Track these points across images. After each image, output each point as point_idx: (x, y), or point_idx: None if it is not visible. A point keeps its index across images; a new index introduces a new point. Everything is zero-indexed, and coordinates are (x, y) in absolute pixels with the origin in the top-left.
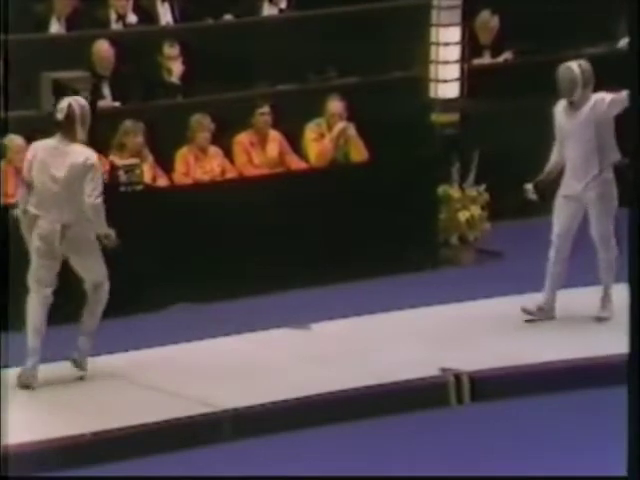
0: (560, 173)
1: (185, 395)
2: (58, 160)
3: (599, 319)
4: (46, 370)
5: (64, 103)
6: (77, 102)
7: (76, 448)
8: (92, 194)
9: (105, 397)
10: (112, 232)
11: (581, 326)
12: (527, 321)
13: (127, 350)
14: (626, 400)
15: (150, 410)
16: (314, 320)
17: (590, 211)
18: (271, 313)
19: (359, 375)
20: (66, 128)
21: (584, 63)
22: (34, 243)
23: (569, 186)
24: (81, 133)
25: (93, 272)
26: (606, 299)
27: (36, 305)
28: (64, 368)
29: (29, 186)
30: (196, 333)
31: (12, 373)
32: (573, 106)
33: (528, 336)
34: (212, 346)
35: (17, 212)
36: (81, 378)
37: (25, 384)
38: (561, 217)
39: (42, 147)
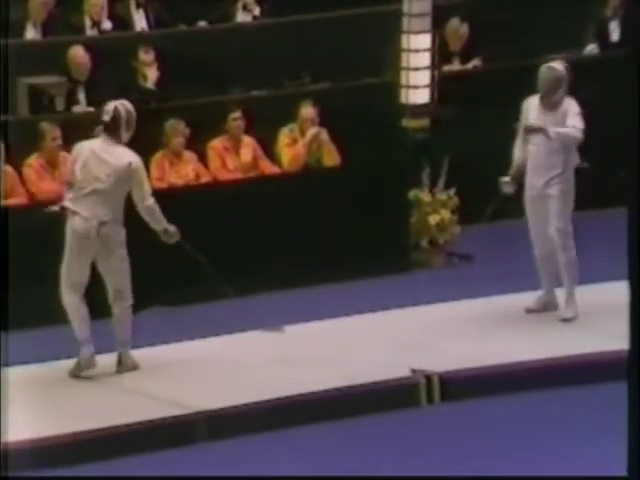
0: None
1: (160, 397)
2: (102, 161)
3: (564, 320)
4: (28, 372)
5: (110, 106)
6: (124, 106)
7: (54, 448)
8: (144, 198)
9: (82, 399)
10: (172, 227)
11: (548, 326)
12: (528, 312)
13: (103, 352)
14: (595, 398)
15: (126, 412)
16: (288, 322)
17: (550, 209)
18: (245, 316)
19: (332, 376)
20: (111, 130)
21: (563, 63)
22: (68, 239)
23: (532, 186)
24: (125, 136)
25: (117, 276)
26: (570, 300)
27: (74, 300)
28: (46, 369)
29: (70, 184)
30: (171, 336)
31: (12, 372)
32: (548, 105)
33: (496, 337)
34: (187, 348)
35: (54, 208)
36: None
37: (82, 371)
38: (532, 218)
39: (87, 147)
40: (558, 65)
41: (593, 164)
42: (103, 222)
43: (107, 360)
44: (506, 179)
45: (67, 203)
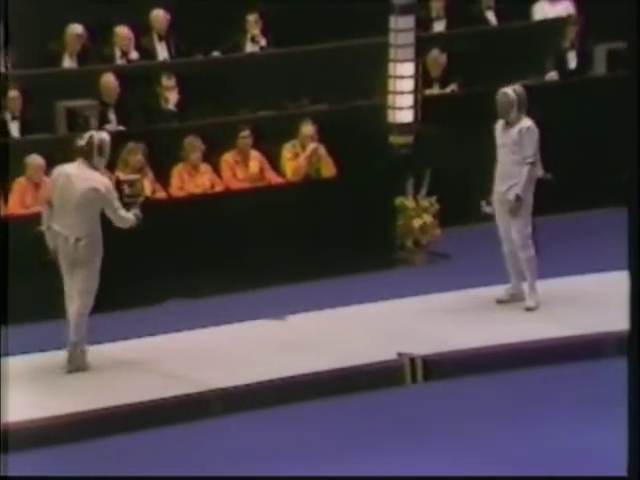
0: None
1: (179, 376)
2: (76, 184)
3: (528, 309)
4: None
5: (87, 134)
6: (98, 134)
7: (84, 422)
8: (115, 215)
9: (109, 379)
10: (136, 214)
11: (516, 315)
12: (498, 302)
13: (128, 339)
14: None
15: (150, 389)
16: (290, 312)
17: (505, 211)
18: (250, 307)
19: (328, 359)
20: (85, 155)
21: (518, 88)
22: (61, 260)
23: (498, 191)
24: (98, 161)
25: (88, 281)
26: (532, 292)
27: (69, 309)
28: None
29: (50, 205)
30: (186, 324)
31: (12, 362)
32: (508, 124)
33: (472, 324)
34: (200, 335)
35: (42, 228)
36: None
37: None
38: (498, 219)
39: (64, 171)
40: (510, 90)
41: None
42: (79, 238)
43: (125, 346)
44: (483, 202)
45: (54, 224)
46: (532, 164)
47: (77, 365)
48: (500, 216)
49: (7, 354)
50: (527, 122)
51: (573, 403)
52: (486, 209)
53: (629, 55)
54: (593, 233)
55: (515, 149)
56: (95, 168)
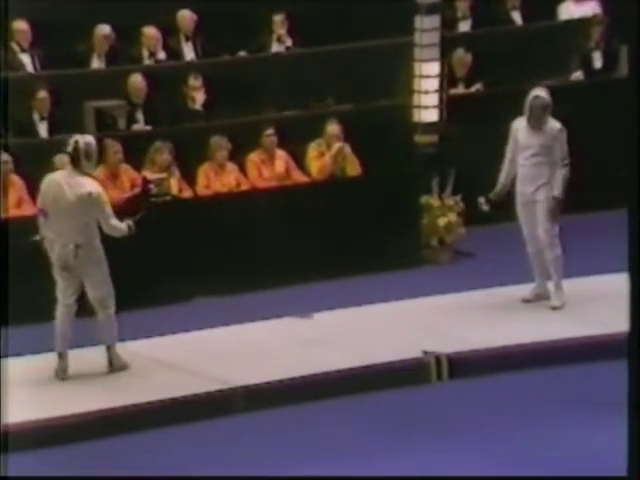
0: (512, 184)
1: (203, 374)
2: (67, 191)
3: (553, 308)
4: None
5: (72, 139)
6: (83, 139)
7: (112, 418)
8: (106, 223)
9: (133, 377)
10: (127, 225)
11: (541, 314)
12: (524, 301)
13: (154, 336)
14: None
15: (175, 387)
16: (316, 310)
17: (538, 212)
18: (276, 304)
19: (353, 357)
20: (73, 162)
21: (546, 91)
22: (54, 263)
23: (523, 193)
24: (87, 166)
25: (98, 289)
26: (558, 291)
27: (63, 314)
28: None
29: (45, 214)
30: (212, 322)
31: (12, 363)
32: (536, 126)
33: (496, 323)
34: (226, 333)
35: (38, 237)
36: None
37: (59, 376)
38: (523, 220)
39: (54, 179)
40: (543, 92)
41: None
42: (78, 245)
43: (152, 343)
44: (481, 200)
45: (48, 232)
46: (567, 165)
47: (119, 365)
48: (525, 217)
49: (21, 354)
50: (556, 124)
51: (598, 402)
52: (484, 207)
53: (630, 55)
54: (619, 232)
55: (544, 151)
56: (85, 174)
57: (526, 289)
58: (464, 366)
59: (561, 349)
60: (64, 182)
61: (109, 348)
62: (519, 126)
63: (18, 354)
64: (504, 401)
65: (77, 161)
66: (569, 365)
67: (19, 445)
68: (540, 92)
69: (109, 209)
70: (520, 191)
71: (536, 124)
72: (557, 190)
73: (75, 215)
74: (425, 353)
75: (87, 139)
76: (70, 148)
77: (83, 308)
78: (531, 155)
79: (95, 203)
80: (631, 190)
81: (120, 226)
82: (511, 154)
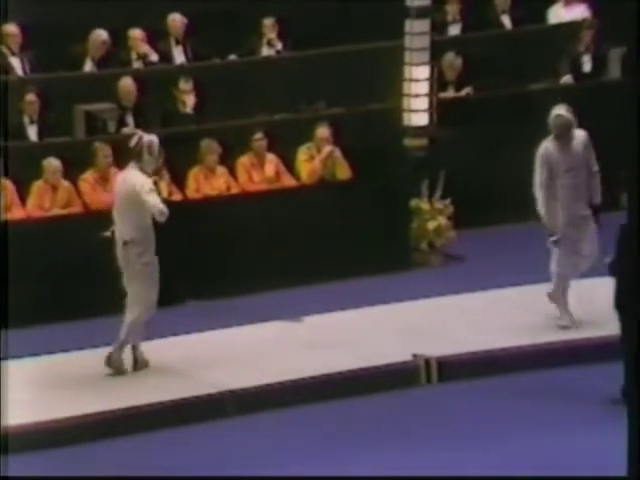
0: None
1: (195, 378)
2: (121, 186)
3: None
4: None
5: (136, 135)
6: (147, 136)
7: (112, 420)
8: (153, 209)
9: (126, 379)
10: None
11: (531, 318)
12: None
13: (145, 339)
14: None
15: (168, 390)
16: (307, 313)
17: (590, 226)
18: (267, 308)
19: (344, 360)
20: (135, 157)
21: (567, 107)
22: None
23: (573, 213)
24: (149, 161)
25: (129, 290)
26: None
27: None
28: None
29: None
30: (204, 325)
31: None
32: (565, 143)
33: (485, 325)
34: (218, 336)
35: (107, 234)
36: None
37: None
38: (577, 240)
39: (120, 175)
40: (564, 111)
41: None
42: (125, 242)
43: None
44: (553, 238)
45: (114, 227)
46: (598, 170)
47: (141, 364)
48: (578, 236)
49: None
50: (581, 132)
51: (586, 403)
52: (554, 244)
53: (629, 56)
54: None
55: (580, 163)
56: (142, 170)
57: (514, 292)
58: (453, 369)
59: (549, 352)
60: (121, 177)
61: (134, 348)
62: (550, 149)
63: (18, 356)
64: (493, 403)
65: (139, 157)
66: (558, 367)
67: (18, 446)
68: (561, 111)
69: (155, 200)
70: (571, 213)
71: (565, 142)
72: (597, 197)
73: (123, 210)
74: (415, 356)
75: (151, 137)
76: (133, 143)
77: (83, 308)
78: (570, 172)
79: (139, 195)
80: (631, 190)
81: (164, 213)
82: (547, 179)
